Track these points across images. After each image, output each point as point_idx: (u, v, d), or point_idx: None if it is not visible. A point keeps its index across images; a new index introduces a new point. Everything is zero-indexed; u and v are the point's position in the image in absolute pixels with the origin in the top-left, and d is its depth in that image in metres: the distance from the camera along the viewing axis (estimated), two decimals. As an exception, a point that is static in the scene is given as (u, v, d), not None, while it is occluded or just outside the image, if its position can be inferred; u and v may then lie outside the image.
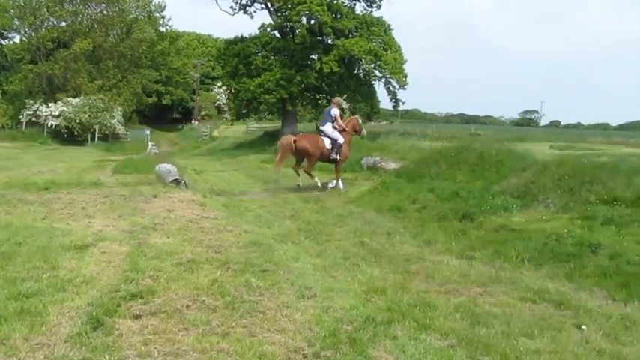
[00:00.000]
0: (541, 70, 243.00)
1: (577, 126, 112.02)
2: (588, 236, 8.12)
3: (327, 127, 14.93)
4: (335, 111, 15.05)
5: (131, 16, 50.87)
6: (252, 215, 11.16)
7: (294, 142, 14.88)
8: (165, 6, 52.63)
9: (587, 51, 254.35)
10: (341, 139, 14.87)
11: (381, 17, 37.07)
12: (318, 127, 15.38)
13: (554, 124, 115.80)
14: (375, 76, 36.48)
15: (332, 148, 14.80)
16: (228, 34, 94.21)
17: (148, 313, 4.84)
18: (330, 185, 15.16)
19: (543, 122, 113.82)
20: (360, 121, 15.92)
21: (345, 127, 15.11)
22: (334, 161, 15.15)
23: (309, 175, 15.21)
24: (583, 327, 5.38)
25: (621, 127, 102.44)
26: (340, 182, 15.22)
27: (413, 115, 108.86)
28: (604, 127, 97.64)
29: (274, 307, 5.30)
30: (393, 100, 37.26)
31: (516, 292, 6.50)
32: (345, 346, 4.52)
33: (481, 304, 6.03)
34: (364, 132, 16.39)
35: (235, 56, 36.91)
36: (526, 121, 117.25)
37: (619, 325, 5.46)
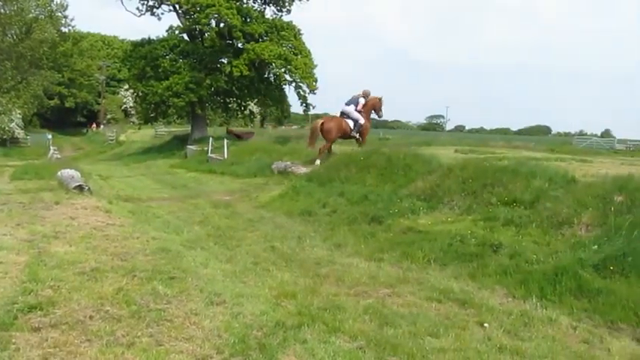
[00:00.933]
0: (446, 76, 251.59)
1: (480, 130, 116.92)
2: (490, 237, 8.43)
3: (350, 108, 16.72)
4: (362, 100, 16.78)
5: (31, 15, 48.36)
6: (161, 221, 10.90)
7: (322, 124, 16.82)
8: (67, 5, 50.47)
9: (489, 58, 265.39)
10: (361, 120, 16.70)
11: (291, 22, 37.23)
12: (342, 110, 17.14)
13: (459, 129, 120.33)
14: (286, 80, 36.53)
15: (354, 127, 16.63)
16: (135, 36, 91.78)
17: (47, 326, 4.64)
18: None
19: (449, 127, 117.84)
20: (382, 103, 17.56)
21: (362, 110, 16.92)
22: (355, 138, 17.03)
23: (322, 152, 16.92)
24: (485, 325, 5.59)
25: (521, 132, 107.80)
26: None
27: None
28: (505, 132, 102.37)
29: (182, 314, 5.21)
30: (304, 104, 37.44)
31: (423, 292, 6.66)
32: (255, 352, 4.50)
33: (389, 305, 6.14)
34: (382, 113, 18.20)
35: (142, 58, 36.01)
36: (432, 126, 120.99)
37: (518, 322, 5.70)
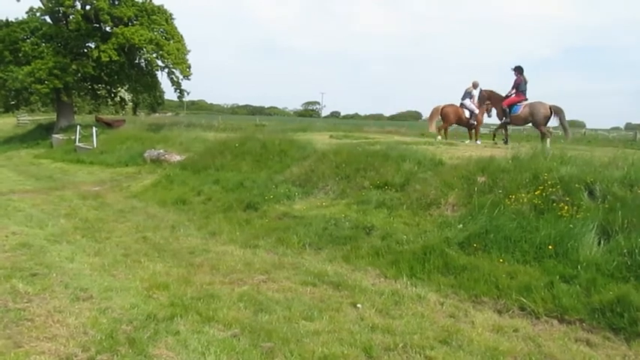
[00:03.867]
0: (322, 64, 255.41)
1: (355, 116, 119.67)
2: (363, 219, 8.63)
3: (467, 102, 18.26)
4: (475, 92, 18.22)
5: None
6: (23, 215, 10.29)
7: (442, 108, 18.26)
8: None
9: (364, 46, 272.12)
10: (476, 110, 18.12)
11: (162, 6, 36.03)
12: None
13: (334, 115, 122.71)
14: (158, 66, 35.29)
15: (470, 117, 18.21)
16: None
17: None
18: (478, 142, 17.92)
19: (324, 113, 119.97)
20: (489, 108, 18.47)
21: (478, 106, 18.27)
22: (471, 126, 18.57)
23: (440, 131, 18.47)
24: (358, 305, 5.71)
25: (393, 118, 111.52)
26: (479, 141, 18.24)
27: (199, 107, 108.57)
28: (378, 118, 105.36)
29: (45, 313, 4.94)
30: (178, 90, 36.37)
31: (298, 276, 6.71)
32: (124, 348, 4.34)
33: (264, 291, 6.13)
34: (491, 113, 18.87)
35: (0, 42, 33.58)
36: (309, 112, 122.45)
37: (390, 301, 5.87)
